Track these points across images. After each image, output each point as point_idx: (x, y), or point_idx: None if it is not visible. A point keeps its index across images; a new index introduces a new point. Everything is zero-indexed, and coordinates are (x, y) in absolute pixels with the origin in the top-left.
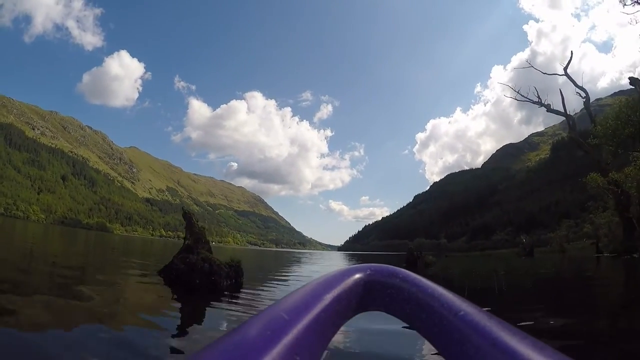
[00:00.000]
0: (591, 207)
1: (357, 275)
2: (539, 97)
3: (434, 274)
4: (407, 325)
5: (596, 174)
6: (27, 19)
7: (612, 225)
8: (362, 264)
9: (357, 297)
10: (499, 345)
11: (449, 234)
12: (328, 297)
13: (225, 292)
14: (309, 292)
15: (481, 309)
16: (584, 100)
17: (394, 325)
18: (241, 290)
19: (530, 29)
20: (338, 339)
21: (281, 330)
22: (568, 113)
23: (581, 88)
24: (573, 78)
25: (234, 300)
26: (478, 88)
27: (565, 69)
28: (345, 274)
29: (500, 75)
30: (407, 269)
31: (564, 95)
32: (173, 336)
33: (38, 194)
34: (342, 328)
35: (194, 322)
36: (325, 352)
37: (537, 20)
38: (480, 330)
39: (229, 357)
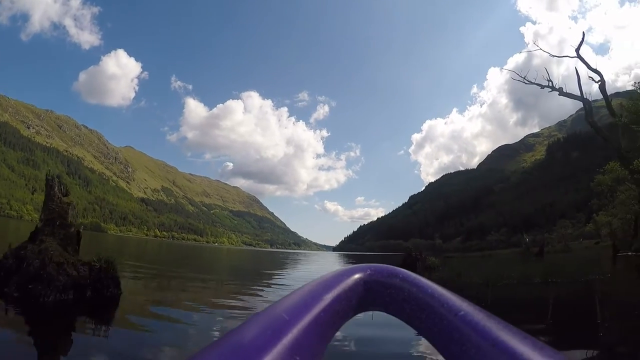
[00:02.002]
0: (594, 205)
1: (357, 275)
2: (549, 80)
3: (442, 281)
4: (407, 326)
5: (615, 162)
6: (25, 17)
7: (624, 222)
8: (362, 264)
9: (357, 297)
10: (499, 345)
11: (444, 235)
12: (328, 297)
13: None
14: (309, 292)
15: (481, 308)
16: (599, 84)
17: (394, 325)
18: (94, 313)
19: (527, 30)
20: (338, 339)
21: (281, 330)
22: (585, 97)
23: (595, 71)
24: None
25: None
26: (474, 89)
27: (577, 50)
28: (345, 274)
29: (497, 77)
30: None
31: (579, 75)
32: None
33: (32, 193)
34: (342, 328)
35: None
36: (325, 352)
37: (534, 22)
38: (480, 330)
39: (229, 357)
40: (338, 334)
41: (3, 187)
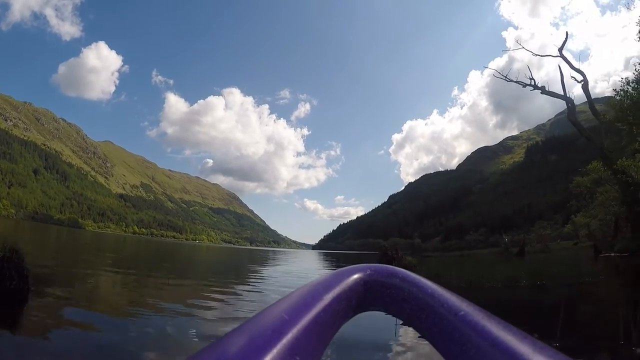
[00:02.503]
0: (573, 206)
1: (357, 275)
2: (532, 78)
3: None
4: (407, 326)
5: (598, 162)
6: (5, 5)
7: (603, 223)
8: (362, 264)
9: (357, 297)
10: (498, 345)
11: (423, 234)
12: (328, 297)
13: None
14: (309, 292)
15: (481, 309)
16: (582, 83)
17: (394, 325)
18: None
19: (509, 35)
20: (338, 339)
21: (281, 330)
22: (568, 95)
23: (578, 70)
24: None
25: None
26: (455, 91)
27: (560, 49)
28: (345, 274)
29: (478, 80)
30: None
31: (563, 74)
32: None
33: (9, 187)
34: (342, 328)
35: None
36: (325, 352)
37: (516, 28)
38: (480, 330)
39: (229, 357)
40: (338, 334)
41: None
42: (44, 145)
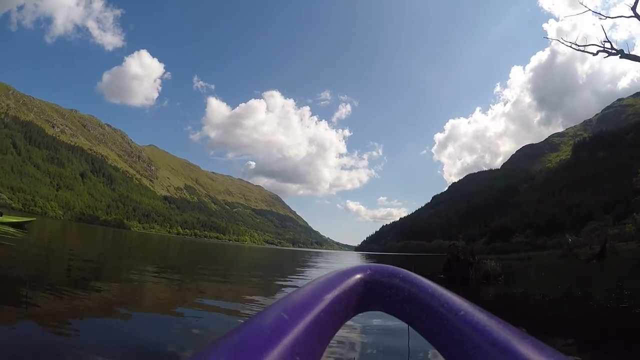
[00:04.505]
0: (638, 202)
1: (357, 275)
2: (607, 40)
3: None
4: (407, 325)
5: None
6: (48, 20)
7: None
8: (362, 264)
9: (357, 297)
10: (499, 345)
11: (467, 236)
12: (328, 297)
13: None
14: (309, 292)
15: (481, 309)
16: None
17: (394, 325)
18: None
19: (550, 27)
20: (338, 339)
21: (281, 330)
22: None
23: None
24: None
25: None
26: (497, 88)
27: (633, 8)
28: (345, 274)
29: (520, 76)
30: (448, 283)
31: None
32: None
33: (57, 190)
34: (342, 328)
35: None
36: (325, 352)
37: (556, 19)
38: (481, 330)
39: (229, 357)
40: (338, 334)
41: (28, 184)
42: (91, 150)
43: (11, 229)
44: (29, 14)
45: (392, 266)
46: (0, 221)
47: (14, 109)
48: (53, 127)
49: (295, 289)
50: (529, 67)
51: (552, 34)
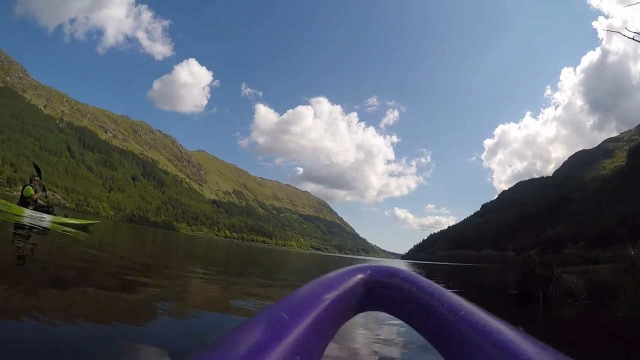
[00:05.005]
0: None
1: (357, 276)
2: None
3: None
4: (407, 325)
5: None
6: (100, 32)
7: None
8: (362, 264)
9: (357, 297)
10: (499, 345)
11: (517, 246)
12: (328, 297)
13: None
14: (309, 292)
15: (482, 308)
16: None
17: (394, 325)
18: None
19: (600, 26)
20: (338, 339)
21: (281, 330)
22: None
23: None
24: None
25: None
26: (548, 91)
27: None
28: (345, 274)
29: (570, 78)
30: (523, 301)
31: None
32: None
33: (109, 192)
34: (342, 328)
35: None
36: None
37: (606, 17)
38: (481, 330)
39: (229, 356)
40: (338, 334)
41: (82, 186)
42: (142, 154)
43: (75, 230)
44: (80, 27)
45: (392, 266)
46: (66, 222)
47: (68, 115)
48: (106, 132)
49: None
50: (579, 68)
51: (601, 33)
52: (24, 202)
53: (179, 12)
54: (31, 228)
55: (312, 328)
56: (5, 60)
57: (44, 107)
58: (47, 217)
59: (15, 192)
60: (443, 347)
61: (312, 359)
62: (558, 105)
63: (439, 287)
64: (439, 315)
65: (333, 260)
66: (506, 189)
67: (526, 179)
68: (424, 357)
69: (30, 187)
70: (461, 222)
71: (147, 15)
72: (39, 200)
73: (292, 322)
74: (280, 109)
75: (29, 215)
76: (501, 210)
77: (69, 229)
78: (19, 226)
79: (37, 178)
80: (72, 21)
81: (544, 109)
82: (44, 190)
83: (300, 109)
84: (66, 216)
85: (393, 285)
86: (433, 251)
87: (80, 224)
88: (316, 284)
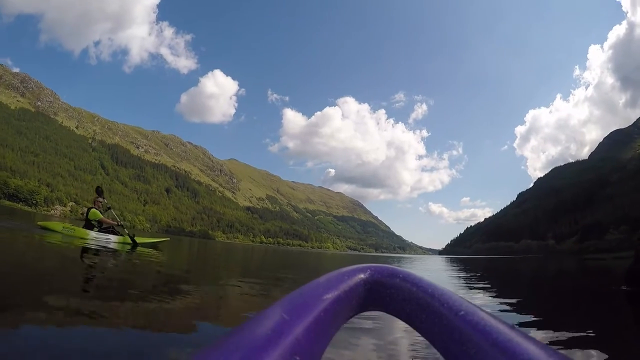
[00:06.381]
0: None
1: (357, 275)
2: None
3: None
4: (407, 325)
5: None
6: (124, 51)
7: None
8: (362, 264)
9: (357, 297)
10: (499, 345)
11: (557, 234)
12: (328, 297)
13: None
14: (309, 292)
15: (482, 309)
16: None
17: (394, 325)
18: None
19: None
20: (338, 339)
21: (281, 331)
22: None
23: None
24: None
25: None
26: (577, 71)
27: None
28: (345, 274)
29: (598, 55)
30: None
31: None
32: None
33: (144, 205)
34: (342, 328)
35: None
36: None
37: None
38: (481, 330)
39: (229, 357)
40: (338, 334)
41: (117, 201)
42: (174, 166)
43: (147, 250)
44: (105, 48)
45: (392, 266)
46: (135, 243)
47: (100, 133)
48: (137, 147)
49: (296, 289)
50: (606, 44)
51: (626, 5)
52: (89, 224)
53: (199, 26)
54: (97, 250)
55: (312, 328)
56: (35, 86)
57: (76, 127)
58: (113, 238)
59: (52, 212)
60: (443, 347)
61: (312, 359)
62: (588, 85)
63: (439, 287)
64: (439, 315)
65: (370, 260)
66: (541, 176)
67: (561, 164)
68: (424, 357)
69: (95, 210)
70: (498, 214)
71: (168, 32)
72: (104, 221)
73: (292, 322)
74: (307, 112)
75: (94, 237)
76: (538, 199)
77: (141, 249)
78: (85, 249)
79: (99, 199)
80: (97, 43)
81: (574, 90)
82: (108, 209)
83: (328, 110)
84: (133, 236)
85: (393, 285)
86: (470, 245)
87: (150, 242)
88: (316, 284)
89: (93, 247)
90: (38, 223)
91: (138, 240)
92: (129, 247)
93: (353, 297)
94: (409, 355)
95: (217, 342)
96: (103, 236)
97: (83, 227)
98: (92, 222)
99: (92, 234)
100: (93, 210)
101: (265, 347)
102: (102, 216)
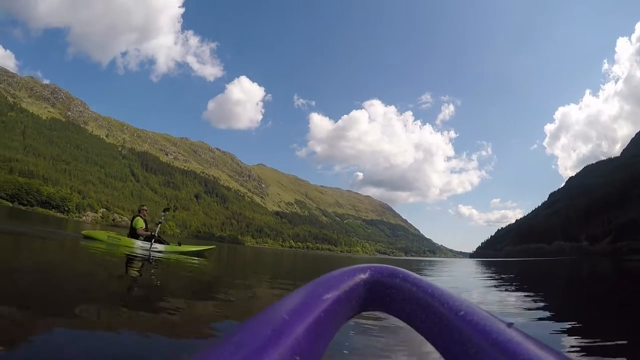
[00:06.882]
0: None
1: (358, 276)
2: None
3: None
4: (407, 325)
5: None
6: (151, 61)
7: None
8: (362, 264)
9: (357, 297)
10: (499, 345)
11: (590, 235)
12: (328, 298)
13: None
14: (310, 292)
15: (482, 309)
16: None
17: (394, 325)
18: None
19: None
20: (338, 339)
21: (281, 331)
22: None
23: None
24: None
25: None
26: (605, 65)
27: None
28: (345, 274)
29: (627, 48)
30: None
31: None
32: None
33: (174, 211)
34: (342, 328)
35: None
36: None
37: None
38: (481, 330)
39: (229, 357)
40: (338, 334)
41: (147, 207)
42: (203, 172)
43: (194, 259)
44: (132, 58)
45: (392, 266)
46: (181, 251)
47: (129, 141)
48: (166, 154)
49: (296, 289)
50: (634, 36)
51: None
52: (134, 233)
53: (224, 34)
54: (143, 259)
55: (312, 328)
56: (65, 97)
57: (106, 136)
58: (159, 247)
59: (84, 218)
60: (443, 347)
61: (312, 359)
62: (618, 79)
63: (439, 287)
64: (439, 315)
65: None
66: (573, 175)
67: (593, 162)
68: (424, 357)
69: (140, 219)
70: (529, 215)
71: (194, 40)
72: (140, 233)
73: (292, 322)
74: (334, 116)
75: (139, 246)
76: (570, 199)
77: (183, 257)
78: (130, 257)
79: (144, 208)
80: (124, 54)
81: (604, 84)
82: (159, 224)
83: (355, 113)
84: (179, 244)
85: (393, 285)
86: (501, 247)
87: (196, 250)
88: (316, 284)
89: (139, 255)
90: (82, 232)
91: (184, 248)
92: (175, 255)
93: (353, 297)
94: (409, 356)
95: (217, 342)
96: (149, 245)
97: (128, 236)
98: (137, 231)
99: (138, 242)
100: (137, 218)
101: (265, 347)
102: (142, 225)
